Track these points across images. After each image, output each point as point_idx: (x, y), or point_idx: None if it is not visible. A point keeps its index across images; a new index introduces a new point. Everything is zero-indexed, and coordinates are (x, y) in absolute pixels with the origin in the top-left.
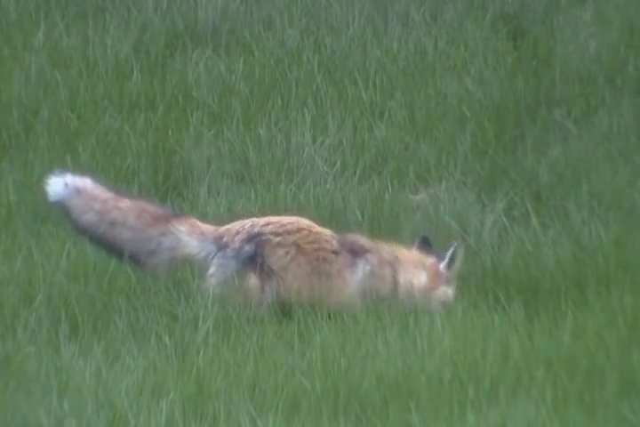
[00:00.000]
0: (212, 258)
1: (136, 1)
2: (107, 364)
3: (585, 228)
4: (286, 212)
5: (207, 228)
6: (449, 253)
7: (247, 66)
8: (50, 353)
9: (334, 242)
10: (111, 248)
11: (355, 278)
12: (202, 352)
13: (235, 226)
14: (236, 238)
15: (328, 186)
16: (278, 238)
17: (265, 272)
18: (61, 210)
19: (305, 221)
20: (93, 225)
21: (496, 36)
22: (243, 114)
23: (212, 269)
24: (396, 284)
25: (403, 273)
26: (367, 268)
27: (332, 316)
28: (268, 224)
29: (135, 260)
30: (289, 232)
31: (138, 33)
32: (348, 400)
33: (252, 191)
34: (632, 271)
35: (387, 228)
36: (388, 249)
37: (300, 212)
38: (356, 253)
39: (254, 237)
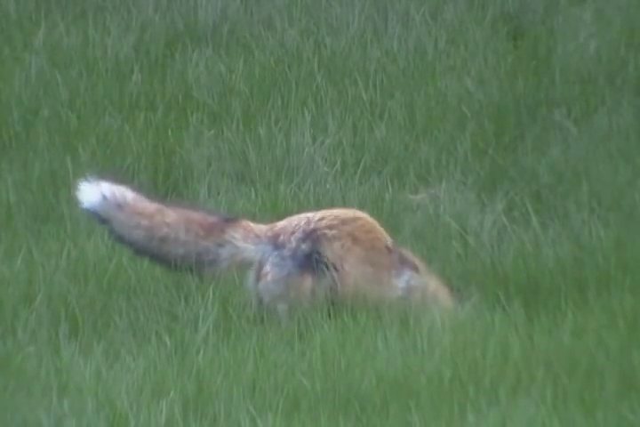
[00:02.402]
0: (268, 257)
1: (136, 1)
2: (107, 364)
3: (585, 228)
4: (286, 212)
5: (260, 229)
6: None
7: (247, 66)
8: (50, 353)
9: (389, 241)
10: (162, 260)
11: (397, 283)
12: (202, 352)
13: (291, 223)
14: (292, 238)
15: (328, 186)
16: (334, 231)
17: (319, 270)
18: (97, 219)
19: (361, 213)
20: (142, 240)
21: (496, 36)
22: (243, 114)
23: (267, 268)
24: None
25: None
26: (412, 282)
27: (331, 315)
28: (322, 219)
29: (190, 271)
30: (344, 222)
31: (138, 33)
32: (348, 400)
33: (252, 191)
34: (632, 271)
35: (387, 228)
36: (437, 282)
37: (300, 211)
38: (406, 263)
39: (310, 235)
